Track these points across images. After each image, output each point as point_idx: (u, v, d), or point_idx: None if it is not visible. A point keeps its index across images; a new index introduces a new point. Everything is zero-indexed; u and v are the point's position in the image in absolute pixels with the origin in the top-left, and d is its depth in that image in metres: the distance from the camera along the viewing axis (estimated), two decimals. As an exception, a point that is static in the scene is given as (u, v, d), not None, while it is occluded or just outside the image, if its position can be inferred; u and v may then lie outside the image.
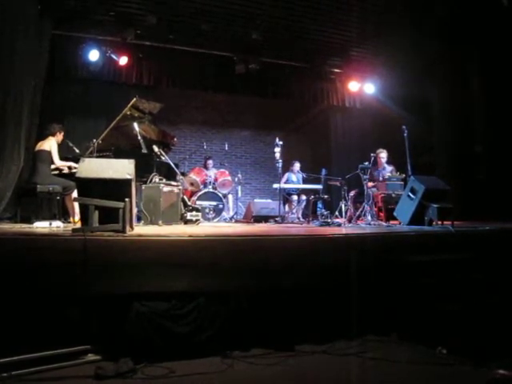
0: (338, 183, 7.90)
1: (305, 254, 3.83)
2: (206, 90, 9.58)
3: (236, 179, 8.73)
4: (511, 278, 4.11)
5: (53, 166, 5.95)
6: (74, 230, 3.55)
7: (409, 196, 5.93)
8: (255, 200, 9.21)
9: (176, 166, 6.97)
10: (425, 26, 7.65)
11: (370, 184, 7.35)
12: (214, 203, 8.10)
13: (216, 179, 8.50)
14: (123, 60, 8.34)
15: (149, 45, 8.61)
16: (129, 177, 3.87)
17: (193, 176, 8.29)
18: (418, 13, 7.45)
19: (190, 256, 3.47)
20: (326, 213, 7.61)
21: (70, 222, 5.82)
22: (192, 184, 8.23)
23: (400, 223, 6.20)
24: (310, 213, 7.79)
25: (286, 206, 8.56)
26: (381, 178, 7.41)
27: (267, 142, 10.84)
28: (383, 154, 7.74)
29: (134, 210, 4.60)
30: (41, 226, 4.67)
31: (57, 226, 4.77)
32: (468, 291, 3.90)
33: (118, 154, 5.91)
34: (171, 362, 3.11)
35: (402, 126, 6.97)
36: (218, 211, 8.11)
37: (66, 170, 6.04)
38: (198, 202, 7.83)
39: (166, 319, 3.28)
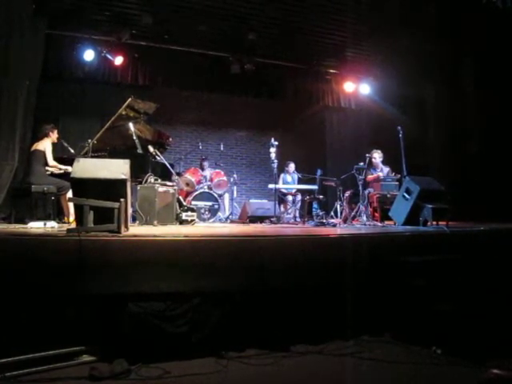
0: (333, 184, 7.91)
1: (300, 254, 3.83)
2: (201, 90, 9.57)
3: (231, 179, 8.74)
4: (506, 278, 4.13)
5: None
6: (68, 231, 3.53)
7: (404, 196, 5.95)
8: (250, 200, 9.20)
9: (171, 166, 6.96)
10: (420, 27, 7.68)
11: (370, 177, 7.38)
12: (210, 203, 8.09)
13: (211, 179, 8.50)
14: (118, 60, 8.32)
15: (144, 45, 8.60)
16: (124, 177, 3.87)
17: (188, 176, 8.28)
18: (414, 13, 7.47)
19: (185, 256, 3.46)
20: (321, 213, 7.64)
21: (64, 223, 5.80)
22: (187, 184, 8.22)
23: (395, 224, 6.22)
24: (305, 213, 7.80)
25: (282, 207, 8.56)
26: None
27: (262, 142, 10.84)
28: (376, 155, 7.70)
29: (129, 210, 4.59)
30: (35, 227, 4.65)
31: (51, 226, 4.75)
32: (462, 291, 3.91)
33: (113, 154, 5.90)
34: (166, 362, 3.11)
35: (397, 126, 6.99)
36: (213, 211, 8.10)
37: (56, 171, 6.03)
38: (193, 202, 7.82)
39: (161, 320, 3.27)
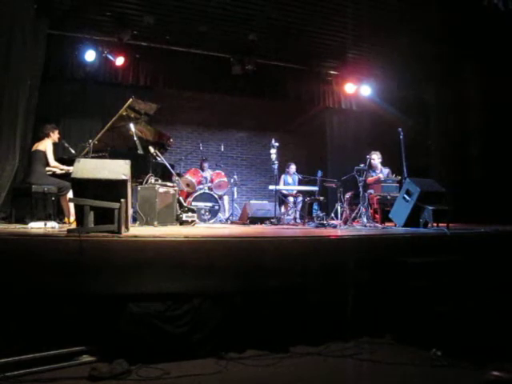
0: (333, 185, 7.91)
1: (300, 255, 3.82)
2: (202, 90, 9.58)
3: (232, 180, 8.74)
4: (506, 279, 4.12)
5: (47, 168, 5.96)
6: (69, 231, 3.54)
7: (404, 198, 5.95)
8: (251, 201, 9.20)
9: (172, 166, 6.97)
10: (421, 28, 7.68)
11: (371, 179, 7.38)
12: (210, 204, 8.10)
13: (212, 180, 8.50)
14: (120, 60, 8.32)
15: (145, 45, 8.61)
16: (124, 177, 3.86)
17: (189, 177, 8.29)
18: (415, 14, 7.47)
19: (185, 257, 3.46)
20: (321, 214, 7.63)
21: (65, 223, 5.80)
22: (188, 185, 8.22)
23: (395, 225, 6.22)
24: (305, 214, 7.80)
25: (282, 208, 8.57)
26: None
27: (263, 143, 10.86)
28: (374, 156, 7.68)
29: (130, 211, 4.59)
30: (36, 227, 4.65)
31: (52, 226, 4.74)
32: (463, 293, 3.91)
33: (114, 154, 5.89)
34: (166, 363, 3.11)
35: (398, 128, 6.99)
36: (213, 212, 8.11)
37: (58, 171, 6.03)
38: (193, 203, 7.83)
39: (161, 320, 3.27)
